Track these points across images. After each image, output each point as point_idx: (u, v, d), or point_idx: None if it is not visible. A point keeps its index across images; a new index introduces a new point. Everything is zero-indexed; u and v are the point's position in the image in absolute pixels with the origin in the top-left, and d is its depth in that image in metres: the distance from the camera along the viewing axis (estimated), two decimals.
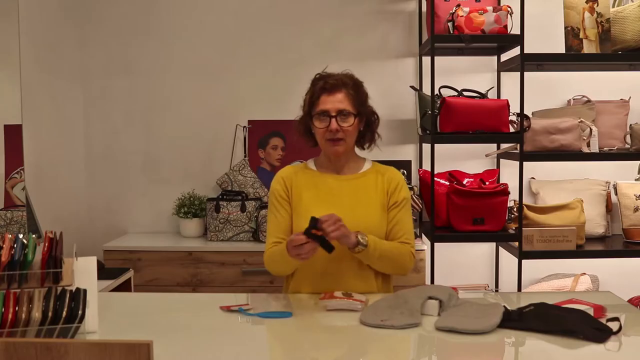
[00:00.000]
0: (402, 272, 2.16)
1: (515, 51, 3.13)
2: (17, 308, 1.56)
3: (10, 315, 1.55)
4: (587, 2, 3.13)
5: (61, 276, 1.70)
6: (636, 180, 3.41)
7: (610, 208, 3.39)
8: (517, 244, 3.07)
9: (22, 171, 2.91)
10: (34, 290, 1.61)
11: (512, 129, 3.13)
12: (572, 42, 3.17)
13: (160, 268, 3.28)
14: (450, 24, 3.14)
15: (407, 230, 2.15)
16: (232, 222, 3.40)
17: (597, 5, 3.12)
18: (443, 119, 3.06)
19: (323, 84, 2.11)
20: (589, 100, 3.36)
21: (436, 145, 3.14)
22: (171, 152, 3.70)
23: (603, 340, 1.64)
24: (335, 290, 2.00)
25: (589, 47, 3.14)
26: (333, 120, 2.08)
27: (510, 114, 3.10)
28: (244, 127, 3.65)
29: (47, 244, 1.69)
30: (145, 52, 3.66)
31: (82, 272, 1.76)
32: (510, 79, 3.50)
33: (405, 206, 2.18)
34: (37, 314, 1.56)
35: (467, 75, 3.51)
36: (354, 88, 2.13)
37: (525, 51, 3.05)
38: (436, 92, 3.16)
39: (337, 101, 2.09)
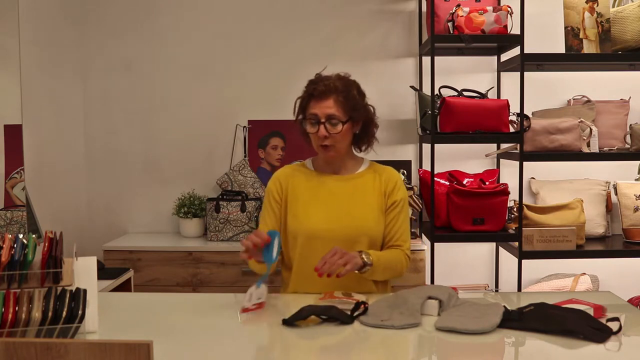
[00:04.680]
0: (399, 277, 2.16)
1: (515, 51, 3.14)
2: (17, 308, 1.56)
3: (10, 315, 1.54)
4: (587, 2, 3.13)
5: (61, 276, 1.70)
6: (636, 180, 3.41)
7: (610, 208, 3.39)
8: (517, 244, 3.07)
9: (22, 171, 2.91)
10: (34, 290, 1.61)
11: (512, 129, 3.13)
12: (572, 42, 3.17)
13: (160, 268, 3.28)
14: (450, 24, 3.14)
15: (403, 231, 2.15)
16: (232, 222, 3.40)
17: (597, 5, 3.12)
18: (443, 119, 3.06)
19: (312, 90, 2.09)
20: (589, 100, 3.36)
21: (436, 145, 3.14)
22: (171, 152, 3.70)
23: (603, 340, 1.64)
24: (333, 290, 2.00)
25: (589, 47, 3.14)
26: (321, 126, 2.07)
27: (510, 114, 3.10)
28: (244, 127, 3.65)
29: (47, 244, 1.69)
30: (145, 52, 3.66)
31: (82, 272, 1.76)
32: (510, 79, 3.50)
33: (403, 207, 2.17)
34: (37, 314, 1.56)
35: (467, 75, 3.52)
36: (344, 94, 2.08)
37: (525, 51, 3.05)
38: (436, 92, 3.16)
39: (325, 107, 2.06)
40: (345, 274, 1.91)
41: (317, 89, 2.08)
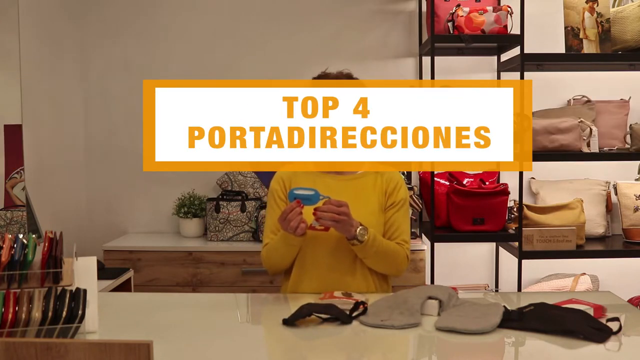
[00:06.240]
0: (395, 273, 2.16)
1: (515, 51, 3.13)
2: (17, 308, 1.56)
3: (10, 315, 1.55)
4: (587, 2, 3.13)
5: (61, 276, 1.70)
6: (636, 180, 3.41)
7: (610, 208, 3.39)
8: (517, 244, 3.07)
9: (22, 171, 2.91)
10: (34, 290, 1.61)
11: None
12: (572, 42, 3.17)
13: (160, 268, 3.28)
14: (450, 24, 3.14)
15: (403, 231, 2.15)
16: (232, 222, 3.40)
17: (597, 5, 3.13)
18: None
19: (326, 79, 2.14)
20: (589, 100, 3.37)
21: None
22: None
23: (603, 340, 1.65)
24: (332, 289, 2.00)
25: (589, 47, 3.14)
26: None
27: None
28: None
29: (47, 244, 1.69)
30: (145, 52, 3.66)
31: (82, 272, 1.76)
32: (510, 79, 3.50)
33: (403, 207, 2.17)
34: (37, 314, 1.56)
35: (467, 75, 3.52)
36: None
37: (525, 51, 3.05)
38: None
39: None
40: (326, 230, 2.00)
41: (332, 76, 2.14)
